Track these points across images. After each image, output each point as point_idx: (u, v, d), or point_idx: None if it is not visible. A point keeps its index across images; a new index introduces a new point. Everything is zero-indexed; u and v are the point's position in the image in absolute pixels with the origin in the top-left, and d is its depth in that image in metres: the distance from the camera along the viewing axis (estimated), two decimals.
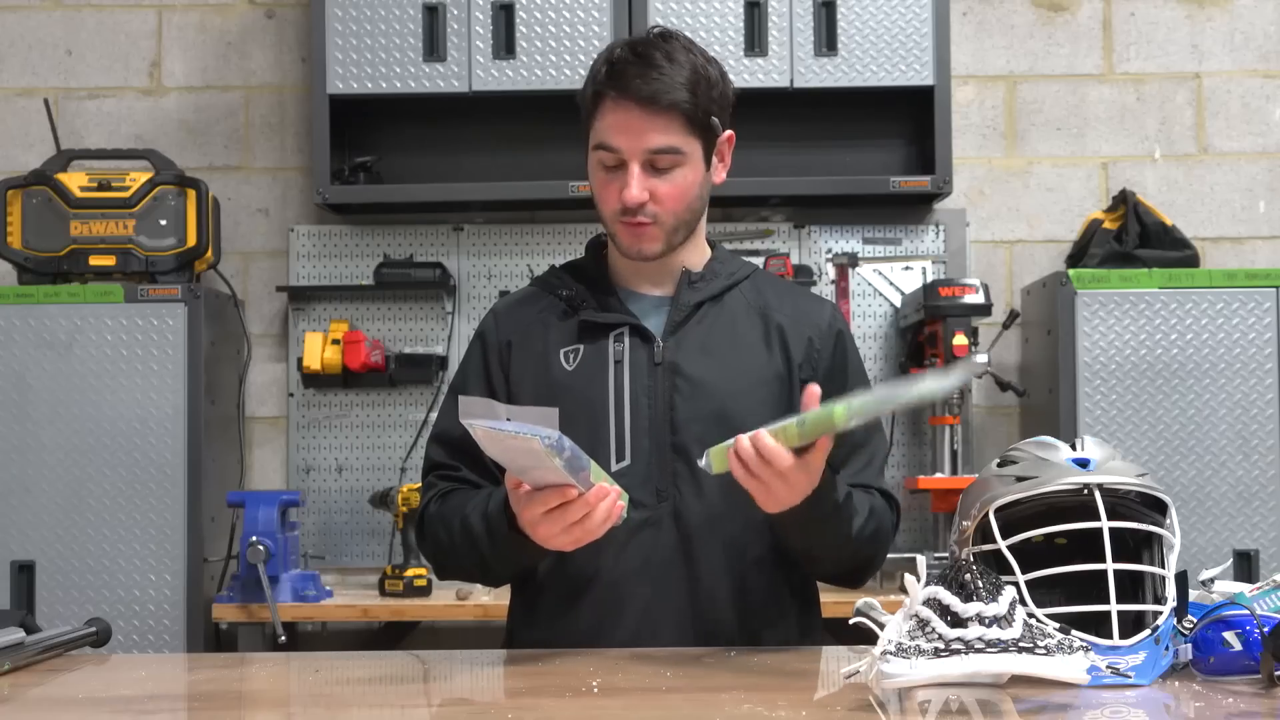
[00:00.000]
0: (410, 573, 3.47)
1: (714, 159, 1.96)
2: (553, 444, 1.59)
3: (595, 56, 1.97)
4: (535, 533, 1.74)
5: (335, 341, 3.70)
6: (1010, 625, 1.43)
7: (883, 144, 3.77)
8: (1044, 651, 1.41)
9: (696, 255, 2.01)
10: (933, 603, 1.45)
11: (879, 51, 3.54)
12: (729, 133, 1.98)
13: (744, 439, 1.68)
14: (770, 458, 1.66)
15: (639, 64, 1.88)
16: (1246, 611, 1.53)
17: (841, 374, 1.99)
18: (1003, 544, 1.60)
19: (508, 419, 1.64)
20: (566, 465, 1.62)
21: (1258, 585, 1.64)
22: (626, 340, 1.94)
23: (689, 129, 1.89)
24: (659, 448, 1.90)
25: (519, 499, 1.74)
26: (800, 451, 1.68)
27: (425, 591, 3.48)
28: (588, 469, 1.67)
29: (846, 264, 3.79)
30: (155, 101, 3.89)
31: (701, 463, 1.75)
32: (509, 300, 2.10)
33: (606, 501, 1.70)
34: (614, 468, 1.89)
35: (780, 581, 1.94)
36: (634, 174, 1.88)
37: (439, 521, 1.95)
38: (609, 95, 1.89)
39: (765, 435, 1.66)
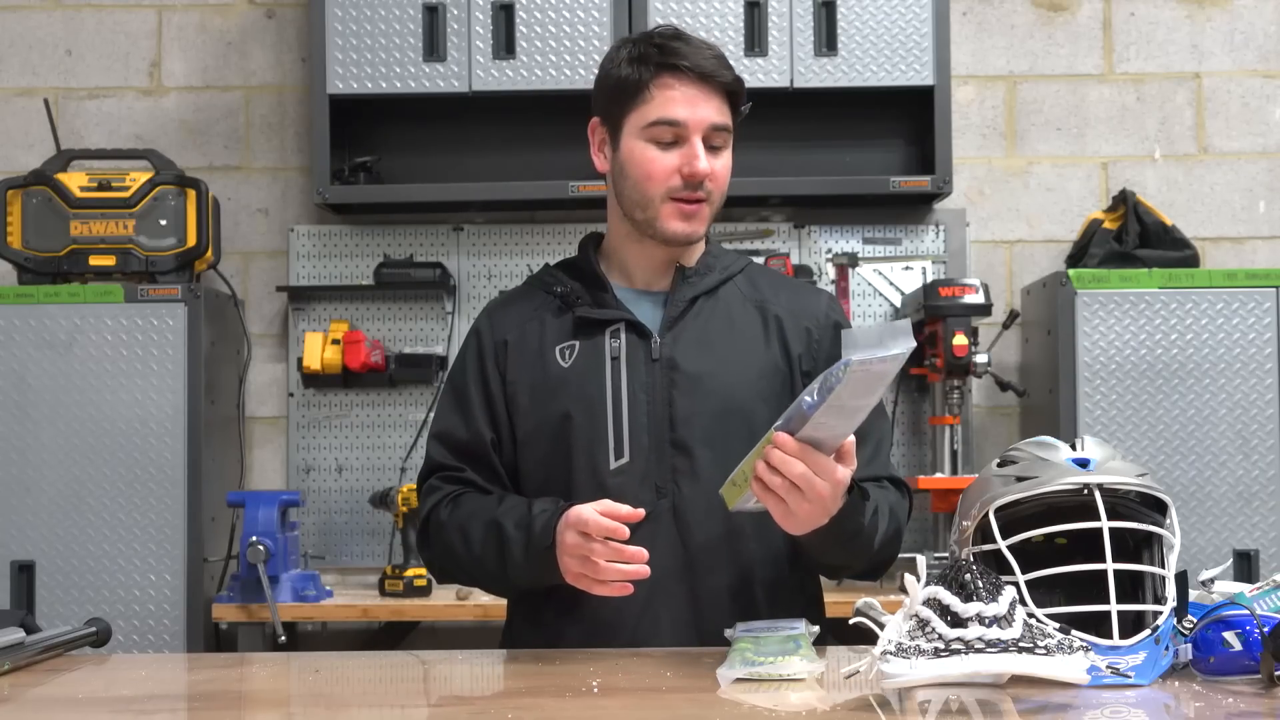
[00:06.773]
0: (410, 573, 3.47)
1: None
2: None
3: (603, 55, 1.99)
4: (562, 543, 1.78)
5: (335, 341, 3.70)
6: (1010, 625, 1.43)
7: (883, 144, 3.77)
8: (1044, 651, 1.41)
9: (693, 249, 2.02)
10: (933, 603, 1.45)
11: (879, 51, 3.54)
12: None
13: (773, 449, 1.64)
14: (791, 463, 1.64)
15: (685, 43, 1.91)
16: (1246, 611, 1.53)
17: None
18: (1003, 544, 1.60)
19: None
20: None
21: (1258, 585, 1.64)
22: (623, 336, 1.94)
23: (732, 111, 1.94)
24: (658, 444, 1.90)
25: (574, 521, 1.77)
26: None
27: (425, 591, 3.48)
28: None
29: (846, 264, 3.79)
30: (155, 101, 3.89)
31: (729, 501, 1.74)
32: (503, 299, 2.10)
33: (622, 568, 1.74)
34: (613, 465, 1.90)
35: (781, 579, 1.94)
36: (699, 146, 1.90)
37: (454, 530, 1.94)
38: (668, 71, 1.90)
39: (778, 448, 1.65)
